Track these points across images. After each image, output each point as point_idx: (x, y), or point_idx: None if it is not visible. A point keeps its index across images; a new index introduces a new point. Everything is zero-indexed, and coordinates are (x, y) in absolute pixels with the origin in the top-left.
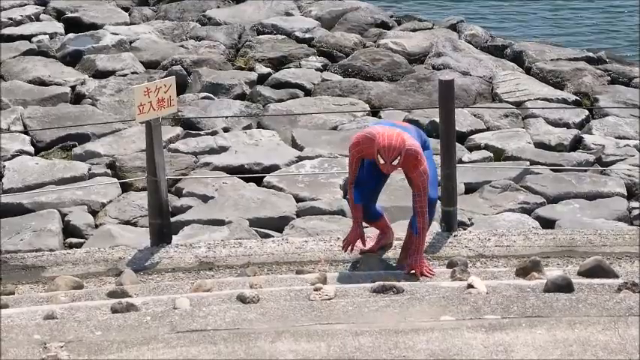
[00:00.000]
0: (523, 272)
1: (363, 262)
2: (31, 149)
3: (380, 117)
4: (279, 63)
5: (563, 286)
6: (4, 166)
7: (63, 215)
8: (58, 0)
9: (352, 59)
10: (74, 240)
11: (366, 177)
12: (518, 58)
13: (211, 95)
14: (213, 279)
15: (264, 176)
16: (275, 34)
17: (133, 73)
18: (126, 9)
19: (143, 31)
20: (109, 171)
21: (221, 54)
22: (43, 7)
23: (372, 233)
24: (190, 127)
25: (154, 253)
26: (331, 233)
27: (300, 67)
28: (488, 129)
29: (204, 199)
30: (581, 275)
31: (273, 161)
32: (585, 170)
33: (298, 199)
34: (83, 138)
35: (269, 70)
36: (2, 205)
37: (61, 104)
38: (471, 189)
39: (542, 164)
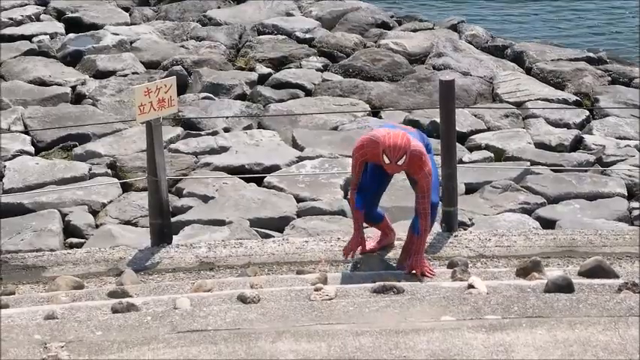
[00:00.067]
0: (523, 272)
1: (364, 262)
2: (32, 149)
3: (380, 117)
4: (279, 63)
5: (563, 287)
6: (5, 166)
7: (63, 215)
8: (59, 0)
9: (353, 59)
10: (75, 240)
11: (369, 181)
12: (518, 59)
13: (212, 95)
14: (213, 279)
15: (265, 176)
16: (275, 35)
17: (133, 73)
18: (126, 9)
19: (144, 32)
20: (109, 171)
21: (222, 54)
22: (44, 7)
23: (373, 233)
24: (191, 127)
25: (155, 253)
26: (332, 233)
27: (301, 68)
28: (488, 129)
29: (205, 199)
30: (582, 275)
31: (273, 161)
32: (586, 170)
33: (299, 200)
34: (84, 138)
35: (269, 70)
36: (3, 205)
37: (61, 104)
38: (471, 189)
39: (542, 164)
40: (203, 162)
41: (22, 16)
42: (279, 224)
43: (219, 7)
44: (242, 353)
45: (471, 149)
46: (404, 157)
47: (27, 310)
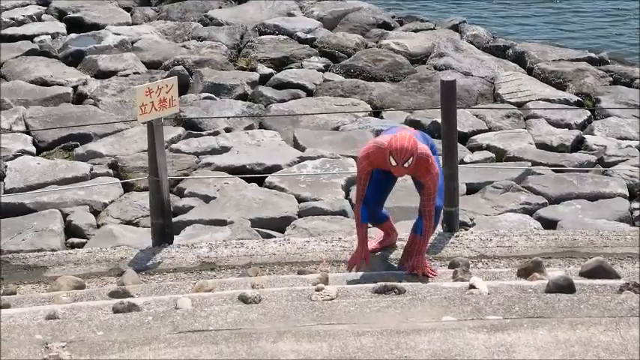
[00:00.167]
0: (525, 273)
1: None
2: (33, 149)
3: (382, 117)
4: (280, 63)
5: (564, 287)
6: (6, 166)
7: (65, 215)
8: (60, 0)
9: (354, 60)
10: (76, 240)
11: (374, 186)
12: (520, 59)
13: (213, 95)
14: (214, 279)
15: (266, 176)
16: (277, 35)
17: (134, 73)
18: (128, 9)
19: (145, 32)
20: (110, 171)
21: (223, 54)
22: (45, 7)
23: (375, 234)
24: (192, 127)
25: (156, 253)
26: (333, 233)
27: (302, 68)
28: (490, 129)
29: (206, 199)
30: (583, 276)
31: (274, 161)
32: (587, 171)
33: (300, 200)
34: (85, 138)
35: (271, 70)
36: (4, 205)
37: (63, 104)
38: (472, 189)
39: (543, 165)
40: (204, 162)
41: (23, 16)
42: (280, 224)
43: (220, 7)
44: (243, 353)
45: (472, 149)
46: (410, 159)
47: (28, 310)
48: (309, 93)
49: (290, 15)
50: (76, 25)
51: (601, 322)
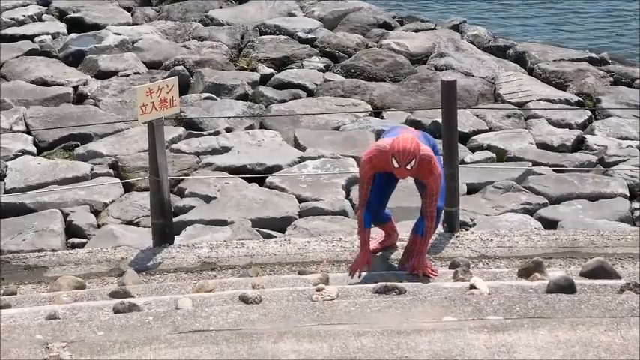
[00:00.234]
0: (525, 273)
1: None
2: (34, 149)
3: (382, 117)
4: (281, 63)
5: (565, 287)
6: (7, 166)
7: (65, 215)
8: (61, 0)
9: (355, 60)
10: (77, 240)
11: (376, 190)
12: (520, 59)
13: (214, 96)
14: (215, 279)
15: (267, 177)
16: (277, 35)
17: (135, 73)
18: (128, 9)
19: (145, 32)
20: (111, 171)
21: (223, 54)
22: (46, 7)
23: (376, 234)
24: (193, 127)
25: (157, 254)
26: (333, 234)
27: (303, 68)
28: (490, 130)
29: (207, 199)
30: (584, 276)
31: (275, 162)
32: (587, 171)
33: (300, 200)
34: (86, 138)
35: (271, 70)
36: (5, 205)
37: (63, 104)
38: (473, 190)
39: (544, 165)
40: (205, 162)
41: (24, 16)
42: (280, 224)
43: (221, 7)
44: (244, 353)
45: (472, 150)
46: (413, 161)
47: (29, 310)
48: (310, 93)
49: (290, 15)
50: (77, 25)
51: (601, 323)
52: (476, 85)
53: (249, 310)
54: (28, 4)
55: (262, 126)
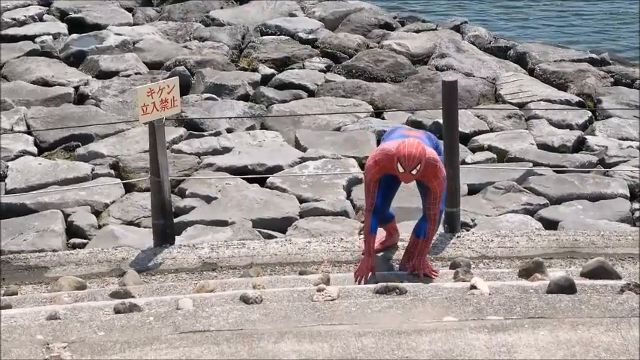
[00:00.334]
0: (526, 273)
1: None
2: (35, 150)
3: (383, 118)
4: (282, 64)
5: (565, 287)
6: (8, 167)
7: (66, 216)
8: (62, 0)
9: (356, 60)
10: (77, 240)
11: (381, 192)
12: (521, 60)
13: (215, 96)
14: (216, 280)
15: (268, 177)
16: (278, 35)
17: (136, 73)
18: (129, 9)
19: (147, 32)
20: (112, 171)
21: (224, 55)
22: (47, 8)
23: (377, 234)
24: (194, 127)
25: (157, 254)
26: (334, 234)
27: (304, 68)
28: (491, 130)
29: (208, 199)
30: (584, 276)
31: (276, 162)
32: (588, 171)
33: (301, 200)
34: (86, 138)
35: (272, 70)
36: (5, 206)
37: (64, 105)
38: (474, 190)
39: (545, 165)
40: (206, 162)
41: (25, 16)
42: (281, 225)
43: (222, 8)
44: (244, 354)
45: (473, 150)
46: (418, 166)
47: (29, 311)
48: (311, 93)
49: (291, 15)
50: (78, 26)
51: (602, 323)
52: (477, 85)
53: (250, 310)
54: (29, 5)
55: (263, 126)
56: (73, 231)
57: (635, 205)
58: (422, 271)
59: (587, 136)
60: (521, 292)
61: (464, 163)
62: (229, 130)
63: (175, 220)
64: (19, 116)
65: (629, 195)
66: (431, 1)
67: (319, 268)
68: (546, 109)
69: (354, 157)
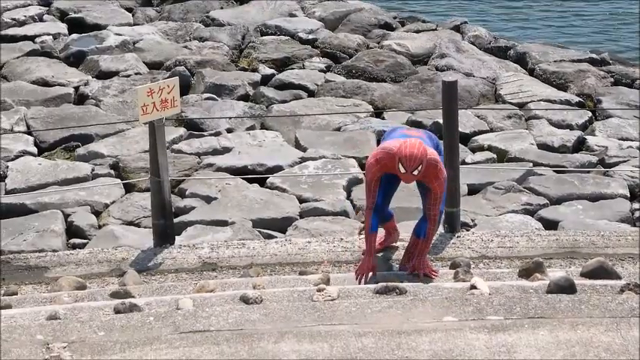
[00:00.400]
0: (526, 273)
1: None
2: (35, 150)
3: (383, 118)
4: (282, 64)
5: (565, 287)
6: (8, 167)
7: (66, 216)
8: (62, 0)
9: (356, 60)
10: (77, 240)
11: (381, 191)
12: (521, 60)
13: (215, 96)
14: (216, 280)
15: (268, 177)
16: (278, 35)
17: (136, 73)
18: (129, 10)
19: (147, 32)
20: (112, 172)
21: (224, 55)
22: (47, 8)
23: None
24: (194, 127)
25: (157, 254)
26: (334, 234)
27: (304, 68)
28: (491, 130)
29: (208, 199)
30: (584, 276)
31: (276, 162)
32: (588, 171)
33: (301, 200)
34: (86, 138)
35: (272, 71)
36: (5, 206)
37: (64, 105)
38: (474, 190)
39: (545, 165)
40: (206, 162)
41: (24, 16)
42: (281, 225)
43: (222, 8)
44: (244, 354)
45: (473, 150)
46: (420, 167)
47: (29, 311)
48: (311, 94)
49: (292, 15)
50: (78, 26)
51: (602, 323)
52: (477, 85)
53: (249, 310)
54: (29, 5)
55: (263, 126)
56: (73, 231)
57: (635, 206)
58: (422, 271)
59: (587, 137)
60: (521, 292)
61: (464, 163)
62: (229, 130)
63: (175, 220)
64: (19, 116)
65: (629, 195)
66: (431, 2)
67: (319, 268)
68: (546, 109)
69: (354, 157)
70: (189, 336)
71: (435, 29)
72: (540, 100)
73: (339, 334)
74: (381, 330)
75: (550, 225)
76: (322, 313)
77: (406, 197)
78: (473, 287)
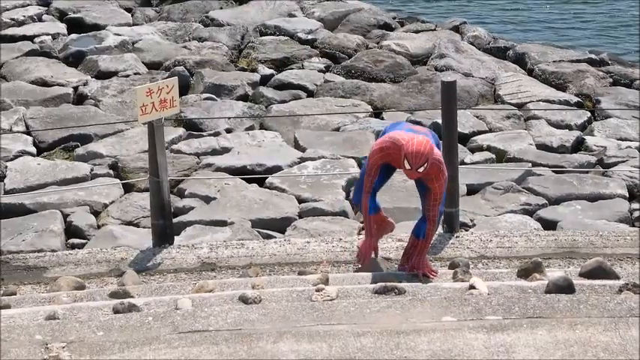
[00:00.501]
0: (525, 273)
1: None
2: (34, 150)
3: (382, 118)
4: (281, 64)
5: (564, 287)
6: (7, 167)
7: (65, 216)
8: (61, 0)
9: (355, 60)
10: (76, 240)
11: (379, 179)
12: (520, 60)
13: (214, 96)
14: (215, 280)
15: (267, 177)
16: (278, 36)
17: (135, 73)
18: (128, 10)
19: (146, 32)
20: (111, 172)
21: (224, 55)
22: (46, 8)
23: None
24: (193, 128)
25: (156, 254)
26: (333, 234)
27: (303, 69)
28: (490, 130)
29: (207, 199)
30: (583, 276)
31: (275, 162)
32: (587, 172)
33: (300, 200)
34: (85, 139)
35: (272, 71)
36: (4, 206)
37: (63, 105)
38: (473, 190)
39: (544, 166)
40: (205, 163)
41: (24, 16)
42: (280, 225)
43: (221, 8)
44: (243, 354)
45: (472, 150)
46: (425, 165)
47: (28, 311)
48: (310, 94)
49: (291, 16)
50: (77, 26)
51: (600, 323)
52: (476, 85)
53: (248, 310)
54: (28, 5)
55: (262, 127)
56: (72, 231)
57: (634, 206)
58: (421, 271)
59: (585, 137)
60: (519, 292)
61: (463, 163)
62: (228, 131)
63: (174, 221)
64: (18, 116)
65: (627, 195)
66: (430, 2)
67: (318, 268)
68: (545, 110)
69: (353, 158)
70: (188, 336)
71: (434, 29)
72: (539, 101)
73: (338, 334)
74: (380, 330)
75: (549, 225)
76: (321, 313)
77: (405, 197)
78: (472, 287)
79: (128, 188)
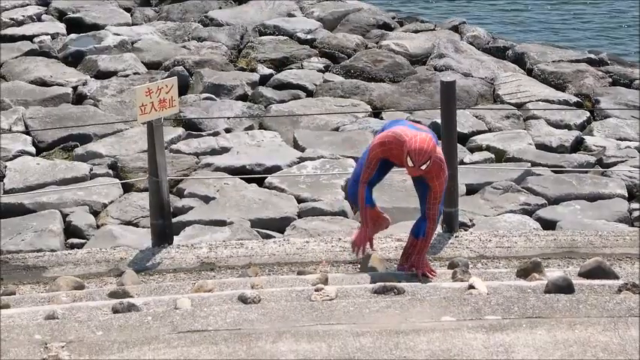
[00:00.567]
0: (524, 273)
1: (364, 262)
2: (33, 150)
3: (382, 118)
4: (281, 64)
5: (563, 287)
6: (6, 167)
7: (64, 216)
8: (60, 0)
9: (354, 60)
10: (75, 240)
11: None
12: (519, 60)
13: (213, 96)
14: (214, 279)
15: (266, 177)
16: (277, 35)
17: (134, 73)
18: (128, 9)
19: (145, 32)
20: (110, 171)
21: (223, 55)
22: (45, 8)
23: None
24: (192, 127)
25: (156, 254)
26: (332, 234)
27: (302, 68)
28: (489, 130)
29: (206, 199)
30: (582, 276)
31: (274, 162)
32: (586, 172)
33: (300, 200)
34: (85, 138)
35: (271, 71)
36: (4, 206)
37: (62, 105)
38: (472, 190)
39: (543, 165)
40: (204, 162)
41: (23, 16)
42: (280, 225)
43: (220, 8)
44: (242, 353)
45: (471, 150)
46: (427, 163)
47: (28, 311)
48: (309, 93)
49: (290, 15)
50: (76, 26)
51: (599, 322)
52: (475, 85)
53: (248, 310)
54: (28, 5)
55: (262, 126)
56: (71, 231)
57: (633, 205)
58: (420, 270)
59: (585, 137)
60: (519, 291)
61: (462, 163)
62: (228, 130)
63: (174, 220)
64: (17, 116)
65: (626, 195)
66: (429, 2)
67: (317, 267)
68: (544, 110)
69: (352, 157)
70: (187, 336)
71: (434, 29)
72: (538, 100)
73: (337, 334)
74: (379, 330)
75: (548, 225)
76: (320, 312)
77: (405, 197)
78: (471, 287)
79: (127, 188)
